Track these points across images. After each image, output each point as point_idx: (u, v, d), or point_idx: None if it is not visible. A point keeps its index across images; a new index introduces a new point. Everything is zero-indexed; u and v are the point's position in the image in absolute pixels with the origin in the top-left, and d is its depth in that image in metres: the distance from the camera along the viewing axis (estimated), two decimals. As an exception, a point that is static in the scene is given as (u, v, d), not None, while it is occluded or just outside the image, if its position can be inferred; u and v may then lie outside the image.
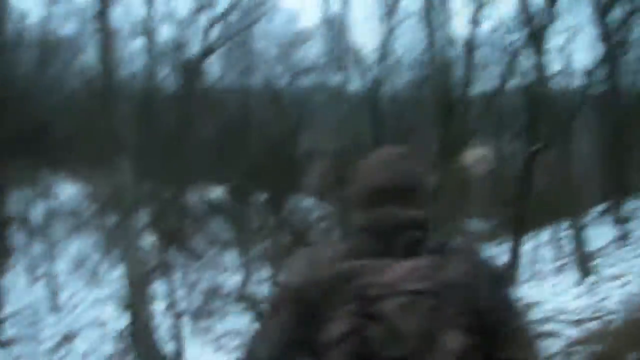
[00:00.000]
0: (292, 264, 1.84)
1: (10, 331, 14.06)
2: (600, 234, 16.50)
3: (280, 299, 1.77)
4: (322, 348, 1.62)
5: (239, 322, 17.74)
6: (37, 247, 18.14)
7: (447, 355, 1.57)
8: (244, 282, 16.12)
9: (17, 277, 16.78)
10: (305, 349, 1.68)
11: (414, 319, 1.57)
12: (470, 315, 1.63)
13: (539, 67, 15.27)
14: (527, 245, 18.31)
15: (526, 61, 21.73)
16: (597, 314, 9.10)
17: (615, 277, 11.44)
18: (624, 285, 10.50)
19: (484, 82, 26.69)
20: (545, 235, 20.19)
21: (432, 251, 1.70)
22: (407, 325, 1.57)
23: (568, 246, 19.36)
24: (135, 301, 12.27)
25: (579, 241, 12.44)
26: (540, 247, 19.56)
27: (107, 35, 11.48)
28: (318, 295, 1.67)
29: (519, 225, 15.28)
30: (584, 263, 12.50)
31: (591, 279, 11.76)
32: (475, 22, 14.66)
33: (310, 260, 1.76)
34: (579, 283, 11.99)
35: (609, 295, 10.12)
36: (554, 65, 17.73)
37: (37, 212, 19.01)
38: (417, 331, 1.57)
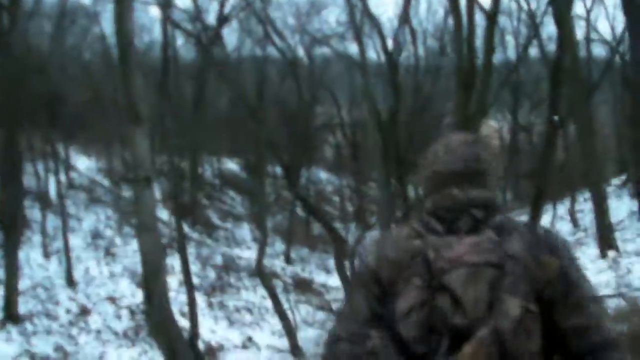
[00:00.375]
0: (370, 245, 1.96)
1: (25, 306, 14.07)
2: (618, 207, 16.19)
3: (360, 279, 1.90)
4: (395, 320, 1.73)
5: (253, 298, 17.74)
6: (52, 221, 18.11)
7: (507, 320, 1.64)
8: (259, 257, 15.99)
9: (32, 252, 16.78)
10: (383, 324, 1.78)
11: (476, 288, 1.68)
12: (531, 285, 1.71)
13: (562, 35, 14.84)
14: (544, 219, 18.04)
15: (548, 29, 21.34)
16: (621, 290, 8.84)
17: (638, 253, 11.17)
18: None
19: (505, 51, 26.32)
20: (561, 208, 19.91)
21: (494, 228, 1.80)
22: (470, 294, 1.68)
23: (585, 219, 19.17)
24: (152, 276, 12.12)
25: (600, 214, 11.98)
26: (557, 220, 19.27)
27: (122, 4, 11.18)
28: (392, 272, 1.81)
29: (537, 197, 14.94)
30: (605, 237, 12.08)
31: (612, 253, 11.44)
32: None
33: (384, 241, 1.91)
34: (599, 257, 11.69)
35: (632, 270, 9.85)
36: (577, 34, 17.24)
37: (53, 185, 18.95)
38: (480, 300, 1.67)
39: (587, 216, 19.06)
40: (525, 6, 23.91)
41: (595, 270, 11.13)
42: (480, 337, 1.64)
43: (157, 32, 26.57)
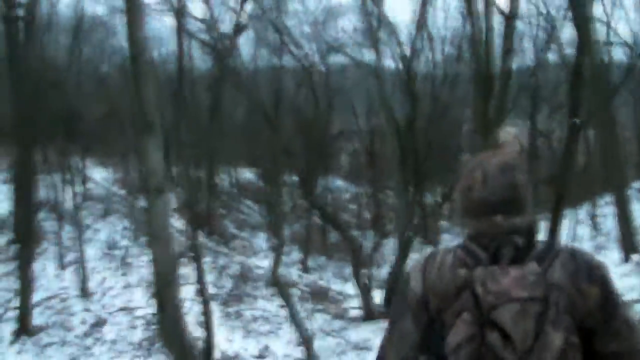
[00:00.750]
0: (414, 270, 1.99)
1: (39, 318, 14.03)
2: (638, 211, 15.87)
3: (408, 304, 1.94)
4: (444, 353, 1.78)
5: (269, 307, 17.58)
6: (68, 233, 18.11)
7: (551, 354, 1.70)
8: (275, 266, 15.86)
9: (47, 263, 16.77)
10: (429, 352, 1.86)
11: (524, 323, 1.73)
12: (573, 316, 1.78)
13: (582, 38, 14.63)
14: (564, 223, 17.75)
15: (567, 32, 21.08)
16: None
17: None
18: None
19: (523, 55, 26.04)
20: (582, 212, 19.59)
21: (538, 257, 1.85)
22: (519, 330, 1.72)
23: (606, 223, 18.85)
24: (164, 286, 12.04)
25: (623, 217, 11.69)
26: (577, 225, 18.94)
27: (135, 14, 11.14)
28: (439, 302, 1.87)
29: (558, 203, 14.68)
30: (629, 240, 11.78)
31: (636, 257, 11.16)
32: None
33: (430, 268, 1.94)
34: (623, 261, 11.39)
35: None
36: (597, 36, 16.97)
37: (68, 197, 18.95)
38: (528, 334, 1.72)
39: (608, 220, 18.73)
40: (543, 10, 23.65)
41: (619, 274, 10.84)
42: None
43: (173, 44, 26.71)
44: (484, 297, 1.76)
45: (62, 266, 16.74)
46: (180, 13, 22.25)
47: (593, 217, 19.27)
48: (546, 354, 1.71)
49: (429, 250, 2.12)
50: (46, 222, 18.55)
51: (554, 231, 15.19)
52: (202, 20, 24.14)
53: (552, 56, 26.89)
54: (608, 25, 21.05)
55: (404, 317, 1.94)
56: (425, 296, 1.90)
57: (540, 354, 1.71)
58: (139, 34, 10.94)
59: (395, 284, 17.73)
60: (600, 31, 18.82)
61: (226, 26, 25.66)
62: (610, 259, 12.76)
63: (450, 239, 26.75)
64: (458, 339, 1.76)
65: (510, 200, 1.92)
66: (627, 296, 8.96)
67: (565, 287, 1.80)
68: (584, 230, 18.46)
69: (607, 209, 19.88)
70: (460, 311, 1.79)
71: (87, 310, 15.14)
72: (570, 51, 22.80)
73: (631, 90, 24.40)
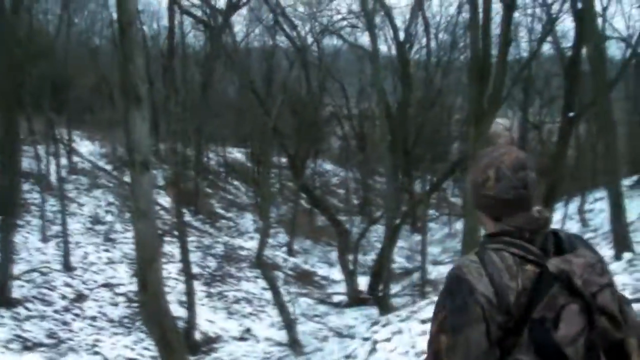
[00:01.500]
0: (474, 277, 1.93)
1: (19, 291, 13.80)
2: (629, 209, 15.79)
3: (468, 314, 1.89)
4: (555, 347, 1.80)
5: (253, 289, 17.44)
6: (51, 206, 17.87)
7: (635, 328, 1.91)
8: (260, 248, 15.67)
9: (29, 236, 16.53)
10: (527, 352, 1.84)
11: (616, 306, 1.88)
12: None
13: (582, 30, 14.45)
14: (554, 217, 17.67)
15: (564, 25, 20.88)
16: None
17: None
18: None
19: (518, 47, 25.84)
20: (571, 207, 19.52)
21: (580, 245, 2.00)
22: (617, 311, 1.88)
23: (595, 220, 18.79)
24: (147, 264, 11.79)
25: (616, 213, 11.49)
26: (567, 219, 18.89)
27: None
28: (522, 300, 1.89)
29: (549, 195, 14.59)
30: (621, 237, 11.56)
31: (628, 255, 11.01)
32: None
33: (494, 271, 1.92)
34: (614, 259, 11.25)
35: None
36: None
37: (53, 169, 18.67)
38: (621, 316, 1.88)
39: (597, 216, 18.68)
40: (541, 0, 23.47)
41: (611, 272, 10.65)
42: (635, 346, 1.87)
43: (166, 20, 26.31)
44: (584, 286, 1.85)
45: (45, 239, 16.50)
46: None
47: (582, 212, 19.19)
48: (636, 329, 1.91)
49: (467, 258, 1.98)
50: (30, 194, 18.30)
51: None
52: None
53: (545, 48, 26.74)
54: (604, 19, 20.91)
55: (469, 326, 1.89)
56: (502, 299, 1.90)
57: (632, 329, 1.89)
58: (128, 2, 10.65)
59: (381, 270, 17.65)
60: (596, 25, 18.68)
61: (220, 3, 25.37)
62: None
63: (437, 228, 26.70)
64: (574, 329, 1.82)
65: (523, 199, 2.00)
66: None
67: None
68: (573, 226, 18.37)
69: (596, 205, 19.83)
70: (564, 304, 1.84)
71: (68, 285, 14.93)
72: (566, 44, 22.70)
73: (624, 85, 24.32)
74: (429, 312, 10.73)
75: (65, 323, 13.42)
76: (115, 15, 21.93)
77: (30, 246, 16.08)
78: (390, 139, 20.71)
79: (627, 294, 8.57)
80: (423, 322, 9.72)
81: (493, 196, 2.02)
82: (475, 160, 2.14)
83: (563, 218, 18.36)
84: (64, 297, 14.38)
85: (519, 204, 2.00)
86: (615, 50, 26.17)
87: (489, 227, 2.08)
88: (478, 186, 2.06)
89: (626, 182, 20.22)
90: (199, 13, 25.19)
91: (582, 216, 19.20)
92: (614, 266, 10.09)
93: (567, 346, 1.80)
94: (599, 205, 19.67)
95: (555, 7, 21.92)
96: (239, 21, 31.09)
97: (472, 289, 1.90)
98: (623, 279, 8.61)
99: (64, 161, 19.95)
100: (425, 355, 2.04)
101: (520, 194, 2.00)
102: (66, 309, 13.96)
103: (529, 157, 2.06)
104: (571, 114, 15.66)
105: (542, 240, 1.99)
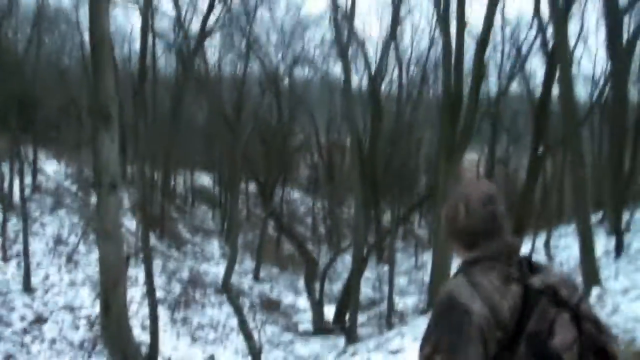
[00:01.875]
0: (468, 299, 1.98)
1: (-23, 310, 13.40)
2: (596, 244, 15.99)
3: (464, 335, 1.93)
4: (555, 355, 1.92)
5: (218, 314, 17.17)
6: (15, 225, 17.46)
7: (608, 331, 2.05)
8: (227, 274, 15.48)
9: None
10: None
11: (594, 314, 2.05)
12: None
13: (553, 67, 14.69)
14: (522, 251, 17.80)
15: (534, 63, 21.24)
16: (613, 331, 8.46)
17: (623, 291, 10.86)
18: (633, 300, 9.92)
19: (487, 83, 26.26)
20: (537, 241, 19.72)
21: (541, 267, 2.14)
22: (599, 318, 2.04)
23: (561, 254, 19.00)
24: (111, 287, 11.55)
25: (586, 247, 11.56)
26: (534, 253, 19.04)
27: (100, 9, 10.73)
28: (515, 316, 1.97)
29: (518, 229, 14.72)
30: (590, 271, 11.60)
31: (596, 290, 11.08)
32: (489, 19, 13.90)
33: (485, 292, 2.00)
34: (584, 293, 11.31)
35: (619, 309, 9.52)
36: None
37: (16, 187, 18.26)
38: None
39: (563, 251, 18.90)
40: (508, 36, 23.93)
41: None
42: (618, 350, 2.02)
43: (138, 44, 26.18)
44: (569, 298, 2.02)
45: (5, 258, 16.09)
46: (146, 8, 21.75)
47: (548, 247, 19.41)
48: (613, 336, 2.04)
49: (455, 283, 2.08)
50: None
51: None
52: (170, 16, 23.76)
53: (514, 86, 27.24)
54: (571, 59, 21.39)
55: (467, 345, 1.93)
56: (498, 317, 1.96)
57: (611, 337, 2.03)
58: (100, 21, 10.54)
59: (348, 300, 17.54)
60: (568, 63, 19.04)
61: (194, 28, 25.35)
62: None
63: (404, 259, 26.70)
64: (570, 336, 1.96)
65: (491, 230, 2.13)
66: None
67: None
68: (539, 259, 18.56)
69: (561, 241, 20.08)
70: (554, 315, 1.98)
71: (28, 306, 14.53)
72: (534, 82, 23.13)
73: (588, 126, 24.79)
74: (397, 343, 10.66)
75: (23, 345, 13.05)
76: (86, 37, 21.81)
77: (-10, 266, 15.66)
78: (359, 169, 20.76)
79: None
80: (392, 353, 9.65)
81: (464, 229, 2.15)
82: (448, 195, 2.28)
83: (530, 252, 18.50)
84: (23, 319, 13.98)
85: (491, 233, 2.12)
86: (581, 89, 26.76)
87: (465, 256, 2.17)
88: (450, 220, 2.20)
89: (592, 218, 20.51)
90: (171, 37, 25.20)
91: (548, 251, 19.41)
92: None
93: (565, 352, 1.92)
94: (564, 242, 19.90)
95: (524, 48, 22.44)
96: (212, 46, 31.02)
97: (467, 311, 1.95)
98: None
99: (28, 180, 19.56)
100: None
101: (489, 225, 2.13)
102: (25, 331, 13.57)
103: (497, 191, 2.19)
104: (540, 151, 15.87)
105: (517, 263, 2.10)
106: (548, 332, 1.95)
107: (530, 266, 2.12)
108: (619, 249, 15.21)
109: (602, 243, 16.46)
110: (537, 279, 2.03)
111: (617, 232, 15.55)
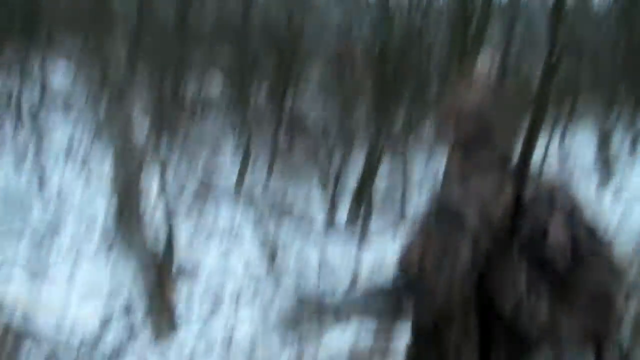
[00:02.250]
0: (453, 197, 2.06)
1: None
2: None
3: (463, 232, 1.99)
4: (547, 258, 1.95)
5: (233, 215, 17.14)
6: (26, 135, 17.37)
7: None
8: (241, 177, 15.45)
9: (2, 166, 16.02)
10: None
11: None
12: None
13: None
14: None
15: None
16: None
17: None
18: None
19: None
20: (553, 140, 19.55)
21: (534, 173, 2.29)
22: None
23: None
24: (125, 195, 11.64)
25: (603, 142, 11.47)
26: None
27: None
28: (507, 220, 2.03)
29: (531, 131, 14.57)
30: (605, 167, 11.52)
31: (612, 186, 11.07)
32: None
33: (474, 193, 2.06)
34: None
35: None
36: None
37: (27, 96, 18.13)
38: None
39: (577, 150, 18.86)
40: None
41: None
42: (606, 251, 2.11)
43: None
44: (564, 203, 2.14)
45: (19, 170, 16.04)
46: None
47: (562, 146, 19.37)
48: (606, 238, 2.14)
49: (446, 185, 2.15)
50: (2, 122, 17.72)
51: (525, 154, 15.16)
52: None
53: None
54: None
55: (455, 249, 1.95)
56: (489, 220, 2.01)
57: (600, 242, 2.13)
58: None
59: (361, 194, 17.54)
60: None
61: None
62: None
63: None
64: (562, 239, 1.99)
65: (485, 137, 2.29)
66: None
67: None
68: (552, 160, 18.55)
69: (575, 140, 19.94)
70: (547, 221, 2.06)
71: (42, 216, 14.51)
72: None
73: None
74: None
75: (41, 250, 13.15)
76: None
77: (3, 178, 15.58)
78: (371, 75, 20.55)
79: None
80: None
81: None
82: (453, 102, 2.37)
83: (545, 151, 18.51)
84: (38, 229, 13.92)
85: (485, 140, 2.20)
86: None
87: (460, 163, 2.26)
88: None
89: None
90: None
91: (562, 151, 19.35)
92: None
93: (557, 254, 1.93)
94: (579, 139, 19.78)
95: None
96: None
97: (459, 213, 1.98)
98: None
99: (38, 89, 19.40)
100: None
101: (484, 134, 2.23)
102: (40, 241, 13.56)
103: (498, 97, 2.28)
104: (553, 59, 15.46)
105: (513, 168, 2.19)
106: (542, 236, 1.95)
107: (526, 171, 2.15)
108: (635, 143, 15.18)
109: (618, 139, 16.49)
110: (532, 183, 2.06)
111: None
